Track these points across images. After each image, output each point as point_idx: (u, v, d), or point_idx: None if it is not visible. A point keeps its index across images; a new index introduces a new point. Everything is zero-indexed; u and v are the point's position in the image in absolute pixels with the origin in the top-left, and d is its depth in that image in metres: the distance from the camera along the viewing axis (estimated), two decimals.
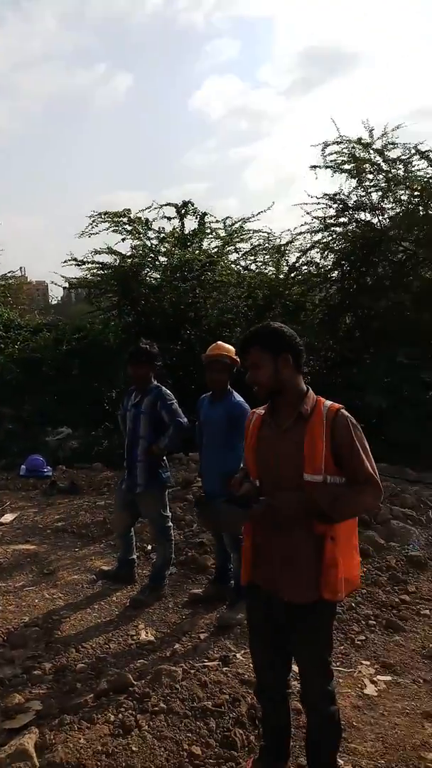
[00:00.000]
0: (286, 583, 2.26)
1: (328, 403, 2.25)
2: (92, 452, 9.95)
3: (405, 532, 5.50)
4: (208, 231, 11.52)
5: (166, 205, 11.27)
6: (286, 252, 11.31)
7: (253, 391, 2.32)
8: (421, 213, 9.85)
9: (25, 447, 9.94)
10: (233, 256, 11.86)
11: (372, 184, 10.12)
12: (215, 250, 11.49)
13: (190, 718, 2.92)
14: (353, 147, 10.08)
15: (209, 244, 11.68)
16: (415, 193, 9.77)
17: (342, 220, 10.53)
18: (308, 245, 10.82)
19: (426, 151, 9.72)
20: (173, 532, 4.78)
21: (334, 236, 10.70)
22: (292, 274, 11.13)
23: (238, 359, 3.91)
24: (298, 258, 11.03)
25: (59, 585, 4.82)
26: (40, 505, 7.23)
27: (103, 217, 10.69)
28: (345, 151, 10.13)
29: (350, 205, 10.31)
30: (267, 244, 11.59)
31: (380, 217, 10.32)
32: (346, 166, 10.10)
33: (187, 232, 11.47)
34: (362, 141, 10.01)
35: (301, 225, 10.80)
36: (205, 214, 11.42)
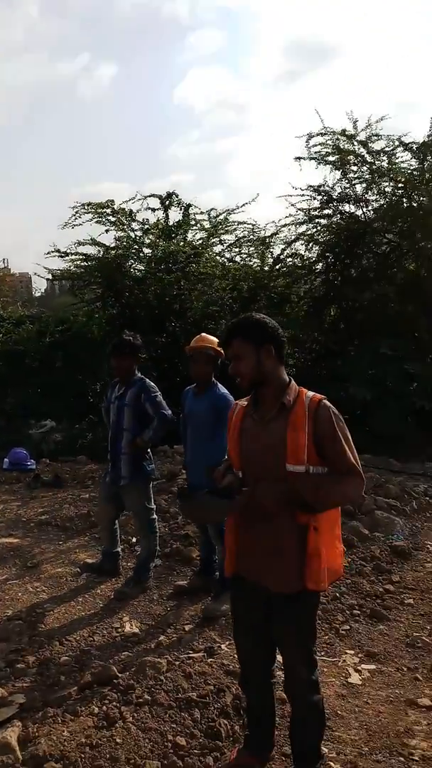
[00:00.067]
0: (269, 573, 2.26)
1: (311, 393, 2.24)
2: (76, 445, 9.91)
3: (389, 522, 5.54)
4: (193, 222, 11.47)
5: (150, 196, 11.20)
6: (271, 244, 11.31)
7: (236, 383, 2.31)
8: (404, 205, 9.89)
9: (8, 440, 9.86)
10: (218, 248, 11.84)
11: (356, 175, 10.13)
12: (200, 241, 11.45)
13: (174, 709, 2.91)
14: (337, 138, 10.07)
15: (194, 236, 11.65)
16: (399, 185, 9.79)
17: (326, 211, 10.54)
18: (293, 237, 10.84)
19: (409, 143, 9.74)
20: (158, 525, 4.77)
21: (319, 228, 10.71)
22: (277, 266, 11.12)
23: (222, 351, 3.90)
24: (283, 250, 11.04)
25: (43, 578, 4.79)
26: (23, 499, 7.18)
27: (86, 208, 10.58)
28: (329, 142, 10.12)
29: (335, 196, 10.31)
30: (252, 236, 11.58)
31: (364, 209, 10.34)
32: (331, 158, 10.09)
33: (171, 223, 11.41)
34: (346, 132, 10.00)
35: (286, 217, 10.81)
36: (189, 205, 11.36)
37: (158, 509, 5.27)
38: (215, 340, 4.13)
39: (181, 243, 11.11)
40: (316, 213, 10.52)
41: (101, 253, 10.71)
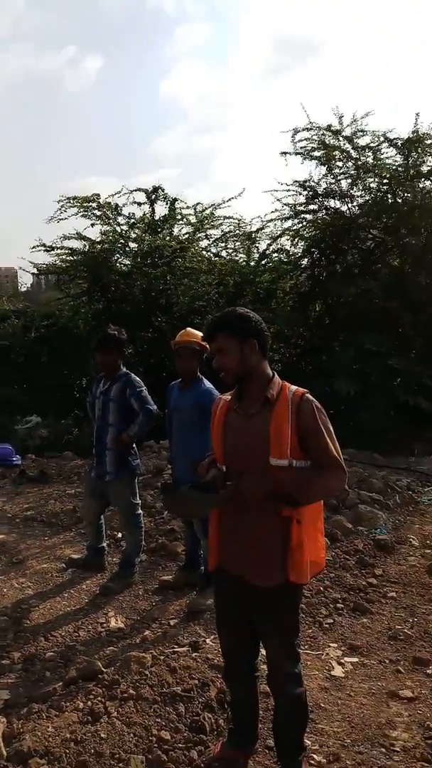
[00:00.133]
0: (252, 566, 2.27)
1: (294, 388, 2.25)
2: (62, 441, 9.87)
3: (372, 516, 5.59)
4: (179, 217, 11.45)
5: (136, 190, 11.18)
6: (257, 239, 11.32)
7: (220, 377, 2.31)
8: (389, 201, 9.94)
9: None
10: (204, 243, 11.86)
11: (341, 171, 10.18)
12: (186, 236, 11.44)
13: (159, 703, 2.92)
14: (323, 134, 10.10)
15: (180, 230, 11.64)
16: (384, 181, 9.84)
17: (312, 207, 10.58)
18: (278, 232, 10.86)
19: (394, 139, 9.78)
20: (143, 520, 4.77)
21: (304, 223, 10.75)
22: (263, 262, 11.15)
23: (207, 345, 3.90)
24: (269, 245, 11.07)
25: (28, 574, 4.78)
26: (9, 494, 7.15)
27: (72, 202, 10.53)
28: (315, 137, 10.16)
29: (320, 192, 10.34)
30: (238, 231, 11.58)
31: (349, 205, 10.39)
32: (316, 153, 10.13)
33: (157, 218, 11.37)
34: (332, 128, 10.02)
35: (272, 212, 10.83)
36: (175, 199, 11.35)
37: (144, 504, 5.27)
38: (200, 334, 4.13)
39: (167, 237, 11.09)
40: (301, 208, 10.56)
41: (87, 247, 10.66)
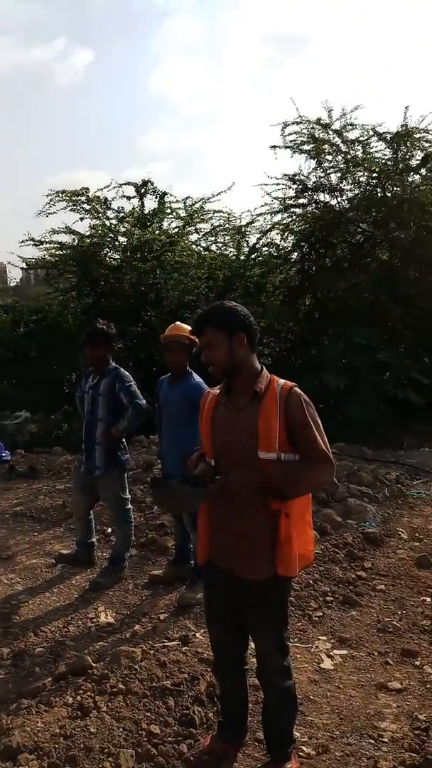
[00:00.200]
0: (241, 559, 2.27)
1: (282, 381, 2.25)
2: (52, 436, 9.82)
3: (362, 509, 5.61)
4: (169, 211, 11.40)
5: (125, 184, 11.12)
6: (247, 233, 11.31)
7: (209, 371, 2.30)
8: (378, 195, 9.95)
9: None
10: (194, 237, 11.82)
11: (331, 165, 10.17)
12: (175, 230, 11.40)
13: (149, 697, 2.93)
14: (312, 127, 10.08)
15: (169, 224, 11.60)
16: (373, 175, 9.85)
17: (301, 201, 10.57)
18: (268, 226, 10.85)
19: (383, 133, 9.79)
20: (133, 515, 4.76)
21: (294, 217, 10.74)
22: (253, 256, 11.13)
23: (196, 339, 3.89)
24: (259, 239, 11.05)
25: (18, 569, 4.76)
26: None
27: (60, 195, 10.48)
28: (304, 131, 10.13)
29: (309, 186, 10.33)
30: (228, 225, 11.56)
31: (339, 199, 10.39)
32: (306, 147, 10.11)
33: (147, 211, 11.33)
34: (321, 121, 10.01)
35: (262, 206, 10.82)
36: (165, 193, 11.30)
37: (134, 499, 5.27)
38: (190, 328, 4.12)
39: (157, 231, 11.05)
40: (291, 202, 10.55)
41: (76, 241, 10.61)
